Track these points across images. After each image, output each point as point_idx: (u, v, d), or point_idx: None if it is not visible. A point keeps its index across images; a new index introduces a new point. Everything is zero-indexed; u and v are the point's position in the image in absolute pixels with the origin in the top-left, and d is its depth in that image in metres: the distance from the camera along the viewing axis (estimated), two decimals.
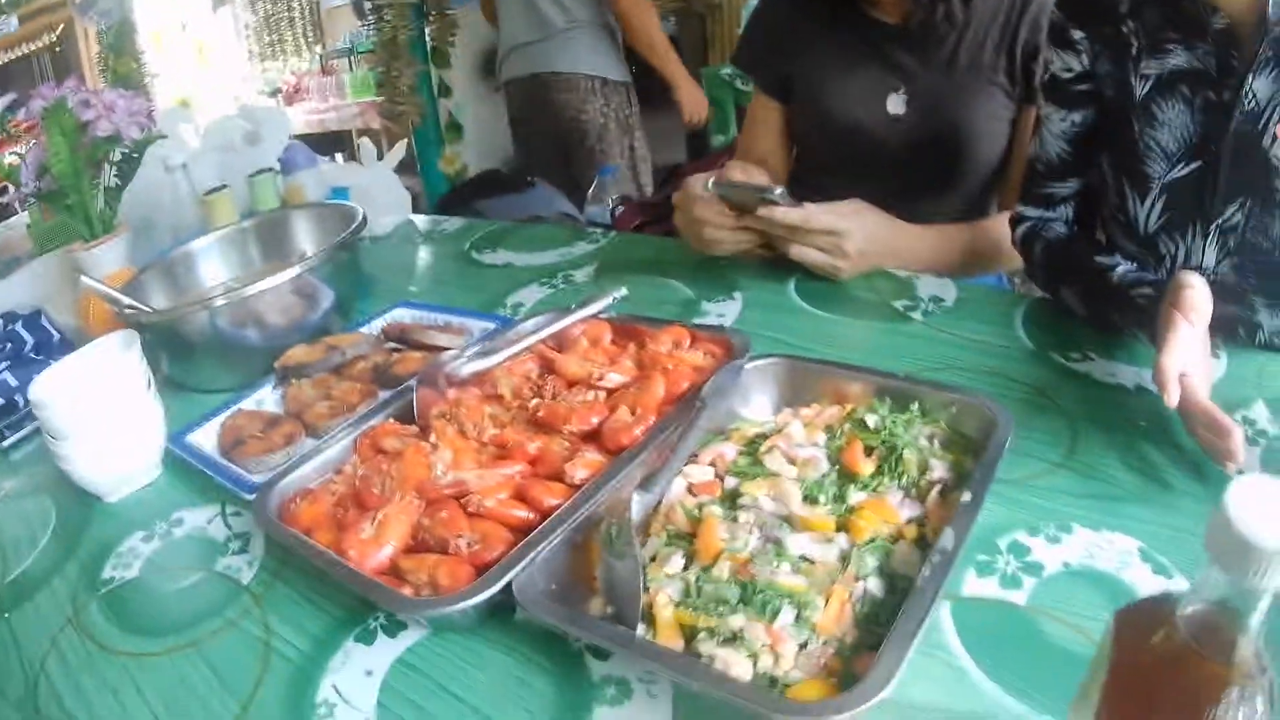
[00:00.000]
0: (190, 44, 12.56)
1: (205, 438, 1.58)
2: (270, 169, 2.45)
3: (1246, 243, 1.46)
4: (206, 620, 1.20)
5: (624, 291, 1.59)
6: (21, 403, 1.95)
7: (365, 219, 1.98)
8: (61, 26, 10.10)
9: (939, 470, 1.13)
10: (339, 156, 9.47)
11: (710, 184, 1.81)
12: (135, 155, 2.04)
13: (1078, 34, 1.58)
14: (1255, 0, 1.35)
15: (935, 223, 2.01)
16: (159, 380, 1.59)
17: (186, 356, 1.81)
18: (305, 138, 10.69)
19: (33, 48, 10.13)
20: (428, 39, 6.78)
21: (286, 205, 2.40)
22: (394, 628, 1.11)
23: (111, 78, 10.17)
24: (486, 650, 1.06)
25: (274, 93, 11.75)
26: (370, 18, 6.81)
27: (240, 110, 2.94)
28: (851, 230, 1.77)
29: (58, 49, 10.29)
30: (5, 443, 1.83)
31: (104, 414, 1.46)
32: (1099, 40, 1.56)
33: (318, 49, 11.11)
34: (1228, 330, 1.50)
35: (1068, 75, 1.61)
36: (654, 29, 4.57)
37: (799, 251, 1.77)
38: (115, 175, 2.05)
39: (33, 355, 2.07)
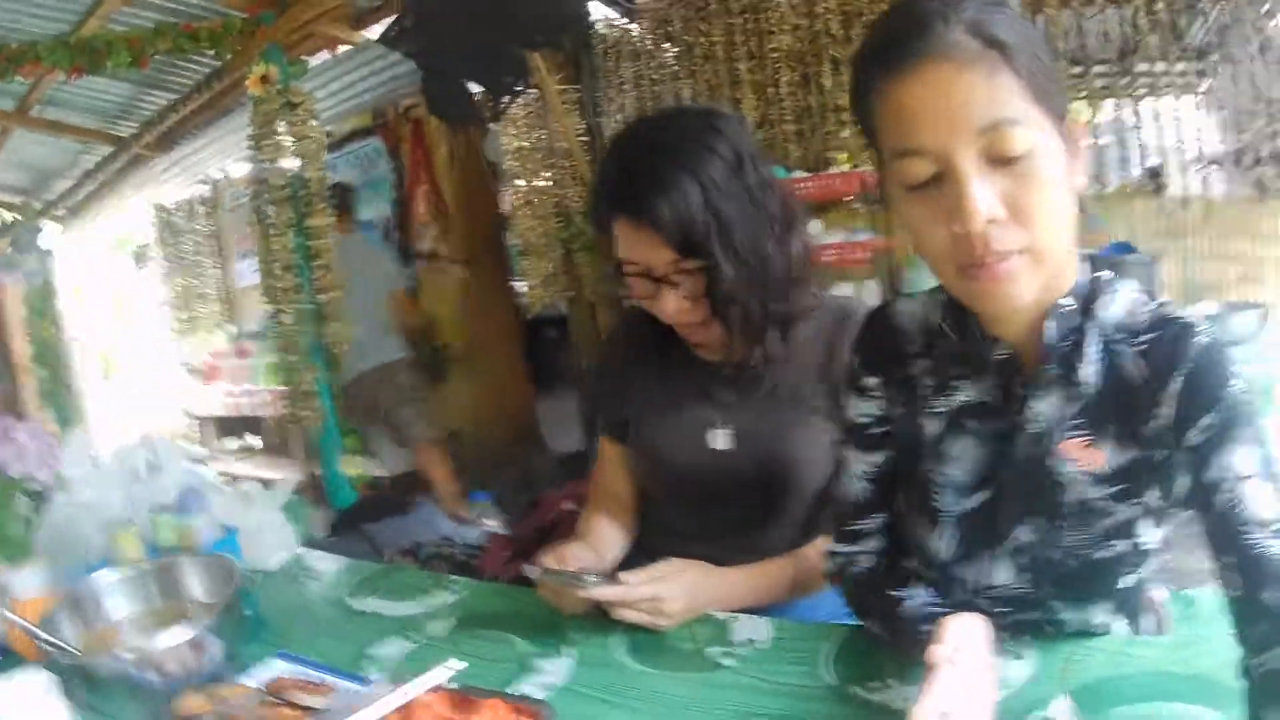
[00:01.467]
0: (111, 302, 12.66)
1: None
2: (168, 509, 2.58)
3: (1039, 558, 1.56)
4: None
5: (460, 666, 1.72)
6: None
7: (240, 581, 2.13)
8: None
9: None
10: (251, 438, 9.55)
11: (531, 571, 1.94)
12: (43, 495, 2.17)
13: (872, 380, 1.70)
14: (1034, 323, 1.46)
15: (770, 550, 2.13)
16: (78, 707, 1.73)
17: (98, 692, 1.90)
18: (222, 420, 10.81)
19: None
20: (324, 343, 6.83)
21: (181, 549, 2.51)
22: None
23: (37, 343, 10.27)
24: None
25: (192, 371, 11.91)
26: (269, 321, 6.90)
27: (142, 441, 3.06)
28: (669, 594, 1.87)
29: None
30: None
31: None
32: (891, 385, 1.68)
33: (232, 328, 11.32)
34: (1033, 632, 1.60)
35: (865, 420, 1.72)
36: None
37: (622, 614, 1.88)
38: (31, 508, 2.17)
39: None
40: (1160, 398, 1.43)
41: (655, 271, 2.01)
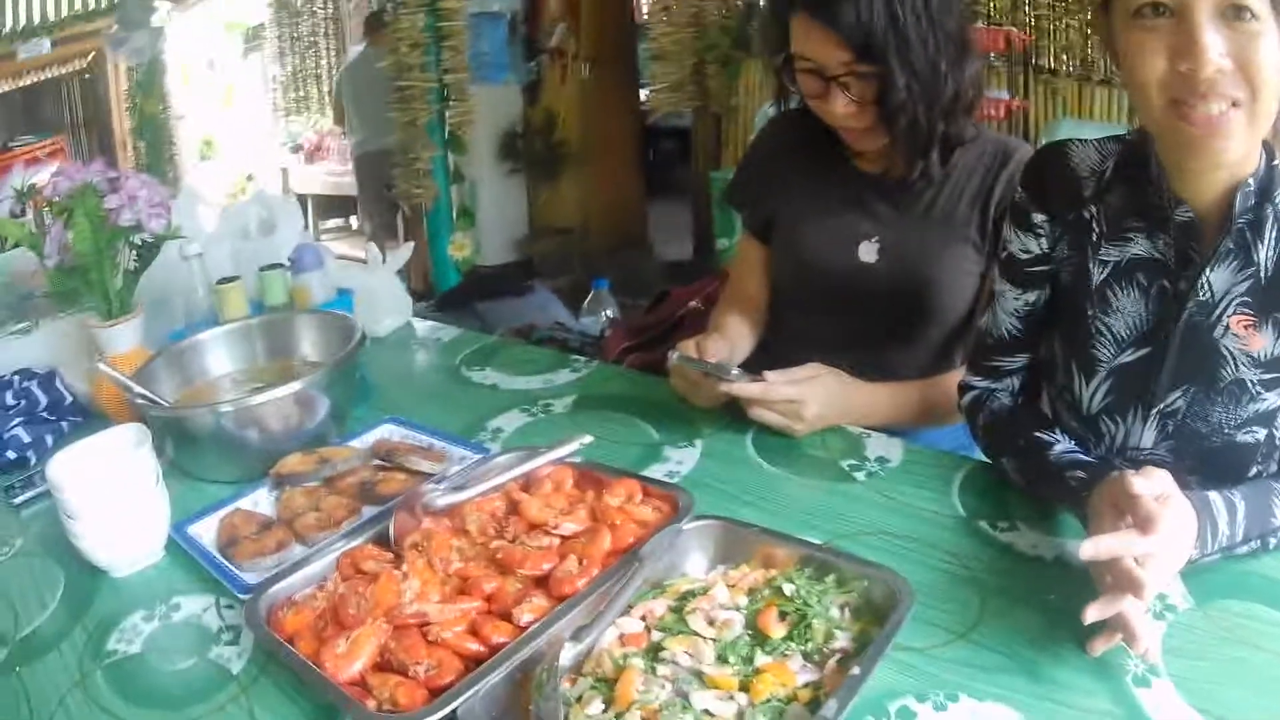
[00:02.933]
0: (218, 83, 12.59)
1: (205, 531, 1.69)
2: (281, 265, 2.54)
3: (1186, 427, 1.52)
4: (199, 703, 1.31)
5: (588, 439, 1.70)
6: (33, 459, 2.06)
7: (363, 337, 2.10)
8: (92, 55, 10.13)
9: (842, 640, 1.24)
10: (353, 220, 9.65)
11: (675, 356, 1.94)
12: (155, 245, 2.13)
13: (1039, 217, 1.64)
14: (1220, 195, 1.42)
15: (900, 369, 2.12)
16: (164, 464, 1.71)
17: (190, 448, 1.91)
18: (321, 198, 10.87)
19: (63, 71, 10.13)
20: (446, 123, 6.82)
21: (293, 305, 2.49)
22: None
23: (138, 116, 10.28)
24: None
25: (296, 149, 11.88)
26: (394, 95, 6.90)
27: (256, 197, 3.03)
28: (808, 397, 1.87)
29: (87, 76, 10.27)
30: (17, 499, 1.91)
31: (115, 502, 1.58)
32: (1061, 224, 1.63)
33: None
34: None
35: (1025, 256, 1.67)
36: None
37: (758, 414, 1.88)
38: (134, 259, 2.14)
39: (45, 415, 2.18)
40: None
41: (828, 70, 1.96)
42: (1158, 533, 1.25)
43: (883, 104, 1.95)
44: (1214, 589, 1.39)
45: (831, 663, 1.22)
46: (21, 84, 9.84)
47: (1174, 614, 1.34)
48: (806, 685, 1.19)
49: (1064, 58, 5.97)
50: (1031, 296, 1.71)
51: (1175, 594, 1.37)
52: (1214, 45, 1.25)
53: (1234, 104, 1.28)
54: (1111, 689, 1.21)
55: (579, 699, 1.18)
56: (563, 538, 1.49)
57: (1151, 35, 1.31)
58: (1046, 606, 1.36)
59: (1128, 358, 1.56)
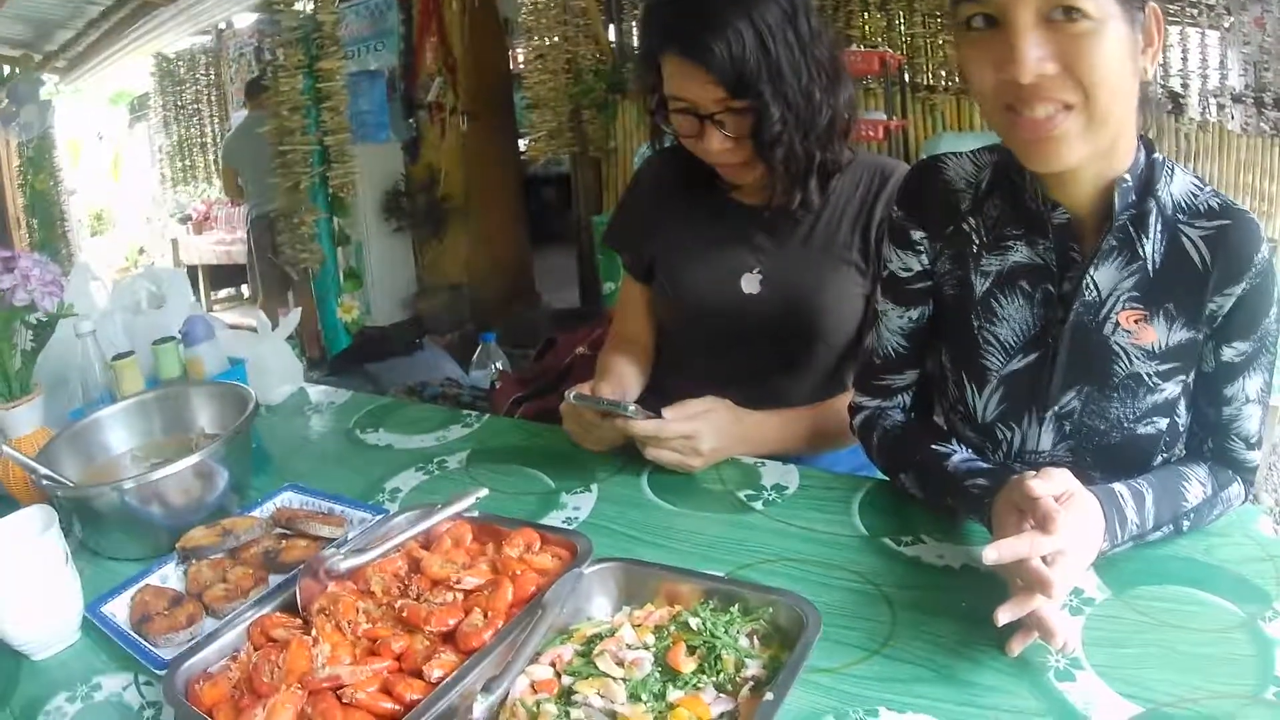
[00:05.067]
0: (106, 156, 12.63)
1: (118, 609, 1.67)
2: (173, 337, 2.51)
3: (1084, 426, 1.56)
4: None
5: (484, 492, 1.69)
6: None
7: (256, 405, 2.08)
8: None
9: (753, 668, 1.25)
10: (244, 288, 9.61)
11: (572, 396, 1.93)
12: (49, 324, 2.12)
13: (918, 234, 1.67)
14: (1097, 194, 1.46)
15: (794, 396, 2.14)
16: (72, 544, 1.69)
17: (97, 526, 1.89)
18: (211, 268, 10.85)
19: None
20: (329, 185, 6.83)
21: (187, 377, 2.47)
22: None
23: (29, 193, 10.20)
24: None
25: (185, 219, 11.88)
26: (276, 160, 6.88)
27: (145, 271, 3.02)
28: (703, 432, 1.87)
29: None
30: None
31: (27, 586, 1.55)
32: (940, 239, 1.66)
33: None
34: None
35: (906, 274, 1.70)
36: None
37: (654, 454, 1.88)
38: (31, 339, 2.12)
39: None
40: (1224, 291, 1.47)
41: (702, 109, 1.98)
42: (1059, 531, 1.27)
43: (758, 137, 1.97)
44: (1131, 577, 1.42)
45: (745, 691, 1.22)
46: None
47: (1092, 606, 1.37)
48: (721, 715, 1.19)
49: (940, 74, 6.11)
50: (915, 313, 1.73)
51: (1090, 587, 1.40)
52: (1033, 52, 1.28)
53: (1066, 106, 1.31)
54: (1034, 686, 1.23)
55: None
56: (466, 592, 1.49)
57: (980, 46, 1.35)
58: (959, 614, 1.38)
59: (1017, 364, 1.59)
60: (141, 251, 12.34)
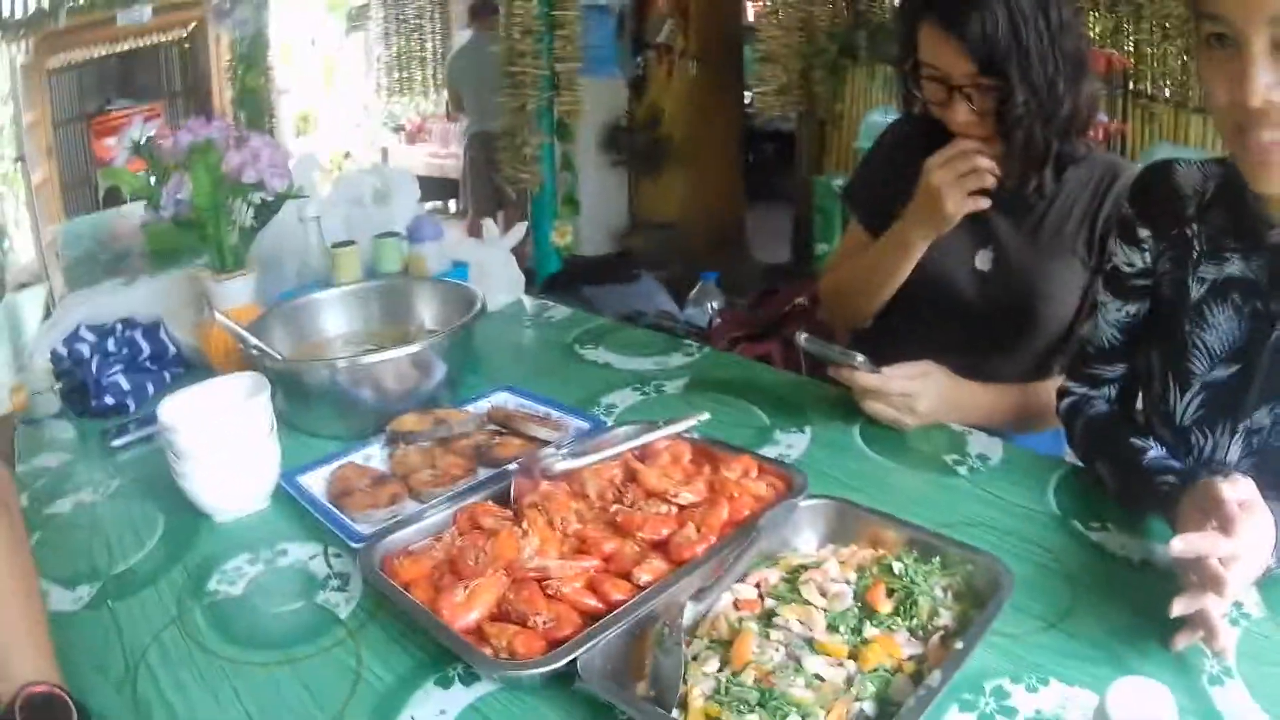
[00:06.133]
0: (319, 61, 12.70)
1: (314, 481, 1.77)
2: (397, 233, 2.62)
3: (1269, 445, 1.56)
4: (303, 643, 1.39)
5: (706, 416, 1.77)
6: (132, 406, 2.15)
7: (484, 306, 2.16)
8: (193, 25, 10.25)
9: (945, 618, 1.31)
10: (451, 203, 9.73)
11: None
12: (275, 204, 2.21)
13: (1144, 232, 1.69)
14: None
15: (1001, 376, 2.15)
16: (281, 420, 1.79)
17: (302, 402, 2.00)
18: (421, 179, 10.99)
19: (162, 39, 10.26)
20: (555, 111, 6.91)
21: (409, 272, 2.57)
22: (469, 679, 1.30)
23: (239, 88, 10.42)
24: (546, 711, 1.24)
25: (398, 129, 12.06)
26: (505, 80, 6.99)
27: (373, 168, 3.10)
28: (921, 392, 1.93)
29: (187, 45, 10.39)
30: (115, 443, 1.99)
31: (229, 448, 1.66)
32: (1164, 240, 1.67)
33: (445, 94, 11.16)
34: None
35: (1129, 270, 1.72)
36: None
37: (872, 408, 1.94)
38: (253, 217, 2.22)
39: (147, 364, 2.27)
40: None
41: (952, 80, 2.01)
42: (1240, 536, 1.29)
43: (1002, 116, 2.00)
44: None
45: (935, 638, 1.28)
46: (118, 49, 9.97)
47: (1248, 620, 1.37)
48: (911, 658, 1.25)
49: (1162, 83, 5.96)
50: (1132, 308, 1.75)
51: (1250, 602, 1.41)
52: (1263, 78, 1.28)
53: None
54: (1188, 685, 1.26)
55: (695, 657, 1.25)
56: (680, 506, 1.56)
57: (1217, 64, 1.35)
58: (1133, 604, 1.41)
59: (1220, 373, 1.59)
60: (347, 155, 12.48)
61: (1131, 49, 6.01)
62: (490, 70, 7.25)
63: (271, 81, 11.31)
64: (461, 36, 10.53)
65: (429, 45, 12.24)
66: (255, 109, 10.99)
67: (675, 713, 1.17)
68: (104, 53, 9.83)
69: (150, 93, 10.38)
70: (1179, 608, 1.27)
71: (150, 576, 1.56)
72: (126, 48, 10.02)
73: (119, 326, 2.32)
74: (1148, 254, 1.70)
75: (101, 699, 1.30)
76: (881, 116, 6.46)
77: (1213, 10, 1.32)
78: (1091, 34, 6.05)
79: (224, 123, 2.14)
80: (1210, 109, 1.42)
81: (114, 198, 5.98)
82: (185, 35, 10.42)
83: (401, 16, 12.43)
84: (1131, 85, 6.01)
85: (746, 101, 8.93)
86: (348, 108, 13.11)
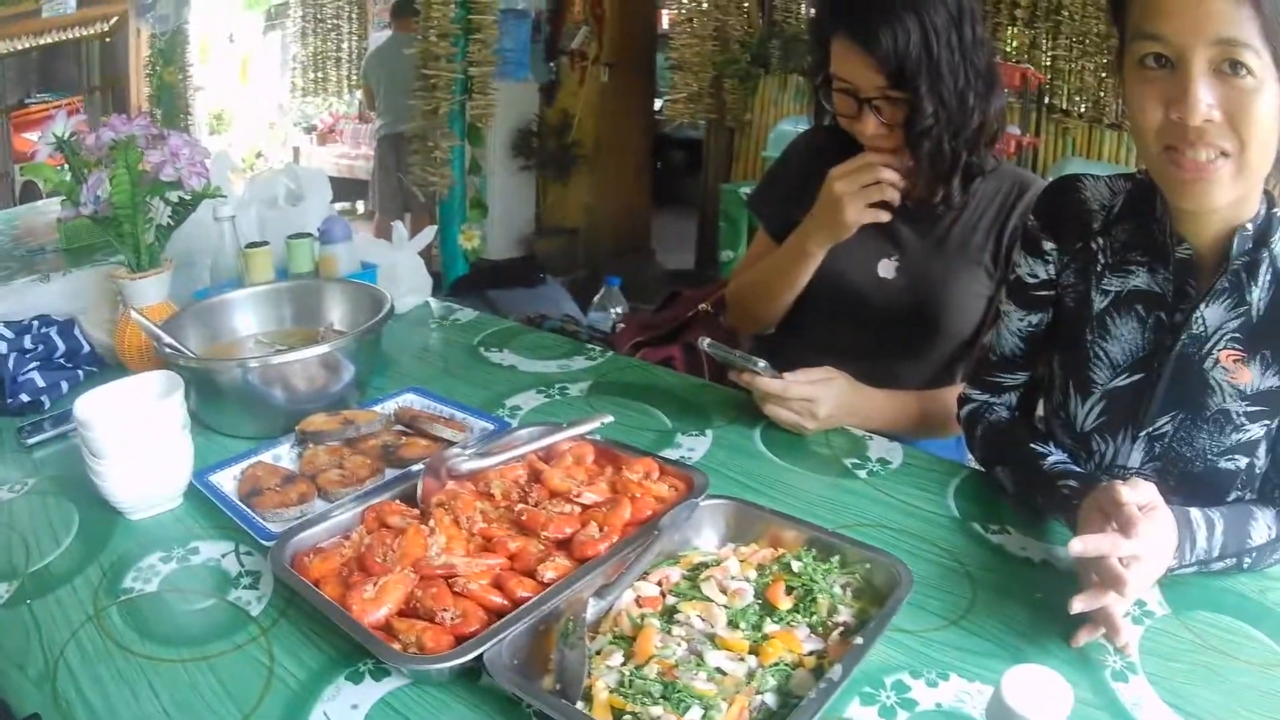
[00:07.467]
0: (235, 59, 12.63)
1: (225, 480, 1.76)
2: (309, 234, 2.59)
3: (1171, 451, 1.61)
4: (217, 640, 1.37)
5: (609, 418, 1.79)
6: (47, 404, 2.12)
7: (393, 308, 2.16)
8: (115, 19, 10.19)
9: (845, 615, 1.34)
10: (359, 205, 9.69)
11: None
12: (192, 202, 2.18)
13: (1049, 245, 1.73)
14: (1219, 237, 1.50)
15: (904, 382, 2.19)
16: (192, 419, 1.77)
17: (215, 401, 1.98)
18: (331, 180, 10.97)
19: (84, 33, 10.20)
20: (467, 115, 6.91)
21: (320, 274, 2.56)
22: (380, 674, 1.30)
23: (157, 84, 10.32)
24: (454, 705, 1.25)
25: (310, 129, 12.02)
26: (419, 83, 6.97)
27: (286, 168, 3.08)
28: (822, 397, 1.96)
29: (108, 40, 10.34)
30: (29, 440, 1.96)
31: (143, 446, 1.63)
32: (1068, 253, 1.71)
33: (358, 95, 11.22)
34: None
35: (1032, 281, 1.76)
36: None
37: (773, 412, 1.97)
38: (170, 216, 2.18)
39: (62, 362, 2.24)
40: None
41: (862, 92, 2.04)
42: (1140, 537, 1.33)
43: (910, 129, 2.03)
44: (1190, 601, 1.47)
45: (835, 635, 1.31)
46: (41, 42, 9.87)
47: (1151, 619, 1.42)
48: (812, 653, 1.28)
49: (1076, 99, 6.06)
50: (1035, 318, 1.79)
51: (1153, 601, 1.45)
52: (1204, 97, 1.32)
53: (1223, 153, 1.35)
54: (1092, 680, 1.29)
55: (599, 652, 1.27)
56: (584, 506, 1.58)
57: (1151, 84, 1.38)
58: (1033, 603, 1.44)
59: (1121, 382, 1.64)
60: (259, 155, 12.44)
61: (1048, 64, 6.12)
62: (405, 72, 7.22)
63: (189, 78, 11.23)
64: (378, 37, 10.50)
65: (345, 46, 12.19)
66: (171, 106, 10.92)
67: (580, 705, 1.18)
68: (26, 45, 9.71)
69: (70, 87, 10.30)
70: (1079, 605, 1.30)
71: (67, 574, 1.55)
72: (48, 40, 9.92)
73: (35, 324, 2.30)
74: (1051, 266, 1.74)
75: (22, 696, 1.29)
76: (791, 126, 6.53)
77: (1153, 31, 1.35)
78: (1008, 48, 6.15)
79: (145, 120, 2.11)
80: (1136, 128, 1.46)
81: (30, 193, 5.90)
82: (107, 29, 10.34)
83: (319, 16, 12.35)
84: (1046, 100, 6.11)
85: (657, 108, 9.00)
86: (262, 107, 13.03)
